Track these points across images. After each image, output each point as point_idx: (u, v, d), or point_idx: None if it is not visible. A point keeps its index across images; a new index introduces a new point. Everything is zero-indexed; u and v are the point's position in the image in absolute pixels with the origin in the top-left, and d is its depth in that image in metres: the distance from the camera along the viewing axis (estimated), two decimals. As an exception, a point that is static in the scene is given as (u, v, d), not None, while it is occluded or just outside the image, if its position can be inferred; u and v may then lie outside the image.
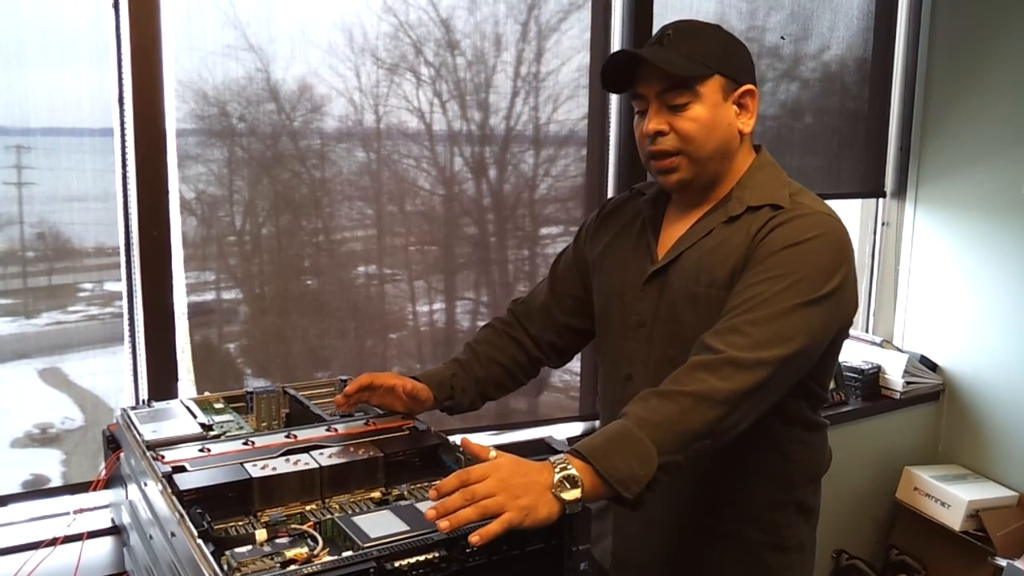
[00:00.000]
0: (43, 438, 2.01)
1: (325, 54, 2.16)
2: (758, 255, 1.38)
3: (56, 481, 2.01)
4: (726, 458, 1.37)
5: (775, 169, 1.52)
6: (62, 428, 2.03)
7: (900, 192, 3.35)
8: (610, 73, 1.49)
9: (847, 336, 1.50)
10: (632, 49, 1.47)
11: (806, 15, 2.98)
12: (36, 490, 1.98)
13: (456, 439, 1.43)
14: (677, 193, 1.53)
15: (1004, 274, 3.01)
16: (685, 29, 1.47)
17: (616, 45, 2.55)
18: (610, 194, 2.61)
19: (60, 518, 1.87)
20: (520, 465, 1.18)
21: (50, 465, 2.01)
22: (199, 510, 1.14)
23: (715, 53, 1.46)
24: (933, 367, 3.27)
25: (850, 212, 3.37)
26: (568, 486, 1.16)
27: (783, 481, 1.53)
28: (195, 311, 2.11)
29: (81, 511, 1.81)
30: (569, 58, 2.49)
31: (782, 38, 2.92)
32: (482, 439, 1.29)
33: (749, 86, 1.48)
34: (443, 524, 1.09)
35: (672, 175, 1.47)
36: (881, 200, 3.38)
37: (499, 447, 1.25)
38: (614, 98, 2.57)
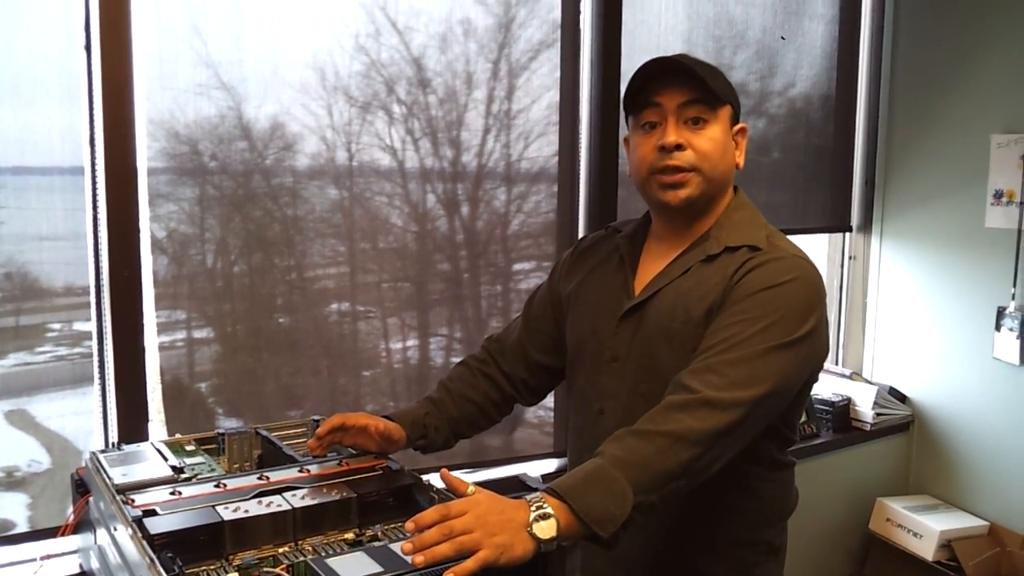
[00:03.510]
0: (9, 481, 1.98)
1: (297, 93, 2.17)
2: (735, 295, 1.40)
3: (22, 526, 1.97)
4: (696, 497, 1.36)
5: (752, 210, 1.55)
6: (28, 471, 1.99)
7: (866, 226, 3.40)
8: (641, 79, 1.49)
9: (817, 379, 1.52)
10: (669, 57, 1.51)
11: (771, 53, 3.04)
12: (1, 536, 1.94)
13: (430, 477, 1.42)
14: (677, 214, 1.52)
15: (968, 305, 3.06)
16: (698, 61, 1.51)
17: (585, 84, 2.58)
18: (582, 230, 2.63)
19: (26, 564, 1.84)
20: (497, 503, 1.18)
21: (16, 510, 1.98)
22: (170, 554, 1.13)
23: (727, 85, 1.52)
24: (902, 398, 3.30)
25: (817, 246, 3.42)
26: (544, 525, 1.16)
27: (753, 520, 1.53)
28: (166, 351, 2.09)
29: (48, 557, 1.79)
30: (539, 96, 2.52)
31: (782, 38, 2.98)
32: (457, 476, 1.30)
33: (744, 124, 1.55)
34: (418, 559, 1.08)
35: (681, 191, 1.47)
36: (847, 234, 3.43)
37: (475, 484, 1.24)
38: (584, 135, 2.60)
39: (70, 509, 1.58)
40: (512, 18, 2.44)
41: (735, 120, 1.53)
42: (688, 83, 1.46)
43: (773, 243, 1.47)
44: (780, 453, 1.54)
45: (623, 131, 1.60)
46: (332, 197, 2.27)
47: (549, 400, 2.65)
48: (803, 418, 3.06)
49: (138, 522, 1.23)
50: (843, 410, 3.18)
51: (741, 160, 1.55)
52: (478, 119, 2.44)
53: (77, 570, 1.74)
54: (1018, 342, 2.89)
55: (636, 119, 1.53)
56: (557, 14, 2.52)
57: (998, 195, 2.94)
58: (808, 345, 1.38)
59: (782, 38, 3.01)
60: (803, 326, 1.37)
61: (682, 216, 1.53)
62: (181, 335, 2.14)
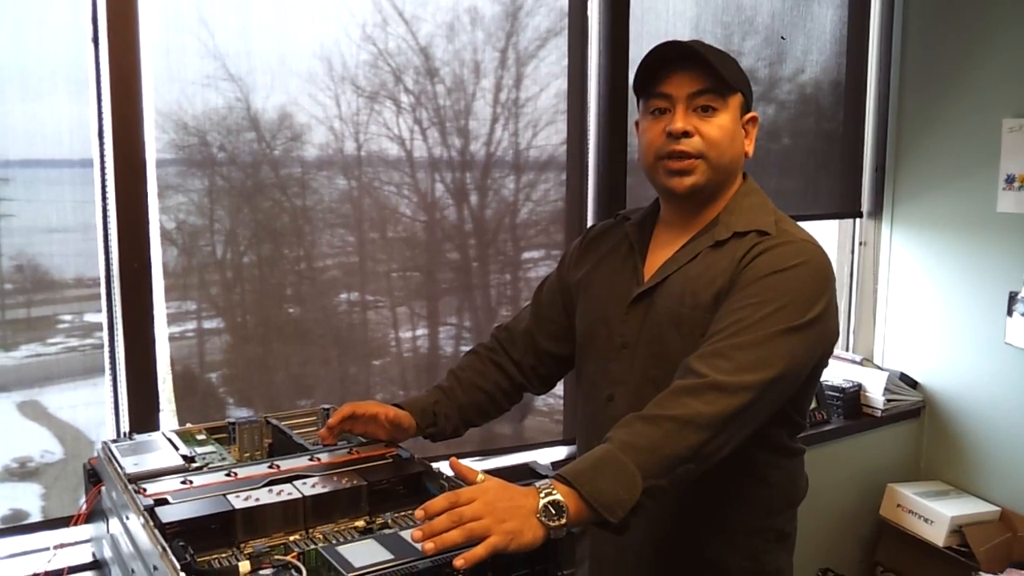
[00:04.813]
0: (22, 472, 1.99)
1: (305, 83, 2.17)
2: (743, 280, 1.40)
3: (35, 516, 1.99)
4: (706, 484, 1.36)
5: (761, 196, 1.55)
6: (41, 462, 2.00)
7: (876, 212, 3.39)
8: (651, 63, 1.49)
9: (827, 364, 1.51)
10: (681, 42, 1.49)
11: (780, 39, 3.02)
12: (15, 525, 1.95)
13: (440, 465, 1.42)
14: (683, 200, 1.52)
15: (980, 291, 3.05)
16: (711, 47, 1.50)
17: (593, 71, 2.57)
18: (590, 218, 2.63)
19: (40, 554, 1.84)
20: (506, 489, 1.18)
21: (29, 500, 1.99)
22: (182, 543, 1.13)
23: (739, 73, 1.52)
24: (913, 384, 3.29)
25: (827, 232, 3.40)
26: (553, 511, 1.16)
27: (761, 506, 1.53)
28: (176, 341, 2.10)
29: (61, 546, 1.79)
30: (547, 84, 2.51)
31: (782, 38, 2.97)
32: (467, 464, 1.30)
33: (755, 113, 1.55)
34: (428, 546, 1.09)
35: (687, 177, 1.47)
36: (858, 220, 3.41)
37: (484, 472, 1.25)
38: (592, 123, 2.59)
39: (83, 499, 1.58)
40: (519, 6, 2.43)
41: (746, 108, 1.53)
42: (699, 71, 1.46)
43: (781, 228, 1.47)
44: (790, 439, 1.54)
45: (632, 119, 1.60)
46: (341, 187, 2.27)
47: (559, 388, 2.64)
48: (814, 404, 3.06)
49: (150, 511, 1.23)
50: (854, 396, 3.17)
51: (750, 149, 1.54)
52: (486, 108, 2.43)
53: (90, 559, 1.75)
54: (1030, 327, 2.88)
55: (646, 104, 1.53)
56: (564, 1, 2.51)
57: (1010, 180, 2.92)
58: (817, 329, 1.38)
59: (782, 38, 2.99)
60: (812, 310, 1.37)
61: (689, 202, 1.52)
62: (191, 325, 2.14)
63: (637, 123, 1.57)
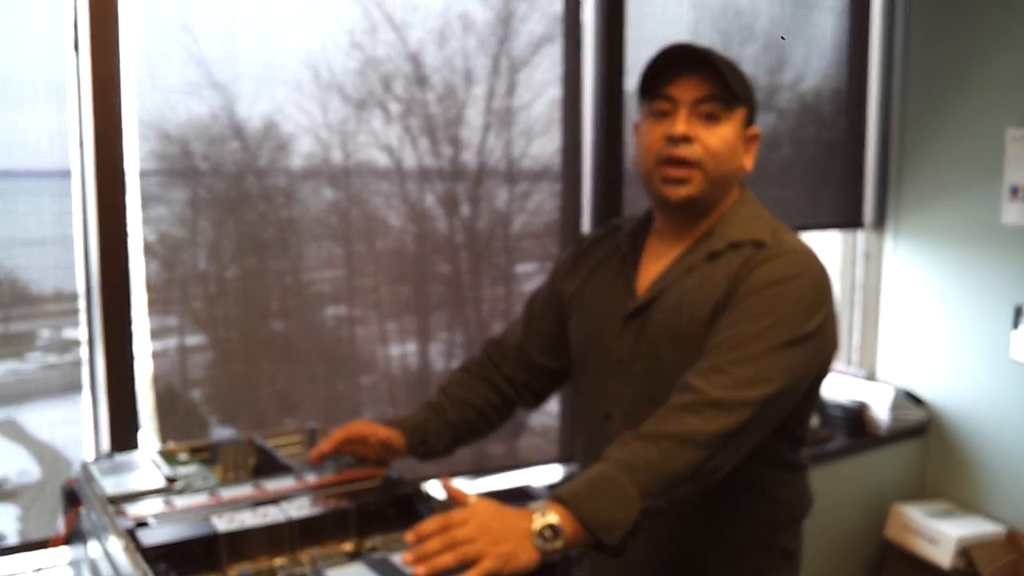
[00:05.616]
0: (-2, 494, 1.94)
1: (291, 91, 2.12)
2: (740, 293, 1.37)
3: (13, 539, 1.94)
4: (707, 501, 1.34)
5: (757, 206, 1.52)
6: (19, 483, 1.96)
7: (879, 223, 3.34)
8: (659, 64, 1.45)
9: (826, 376, 1.48)
10: (692, 45, 1.46)
11: (779, 46, 2.99)
12: (-9, 549, 1.90)
13: (431, 485, 1.39)
14: (677, 210, 1.48)
15: (985, 304, 3.00)
16: (720, 55, 1.46)
17: (588, 78, 2.53)
18: (586, 229, 2.58)
19: (17, 578, 1.80)
20: (500, 511, 1.15)
21: (6, 522, 1.94)
22: (164, 567, 1.12)
23: (746, 86, 1.49)
24: (918, 401, 3.24)
25: (830, 244, 3.36)
26: (548, 533, 1.13)
27: (765, 523, 1.50)
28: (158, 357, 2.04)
29: (39, 570, 1.75)
30: (541, 92, 2.47)
31: (782, 38, 2.95)
32: (460, 485, 1.28)
33: (757, 129, 1.51)
34: (420, 569, 1.06)
35: (682, 187, 1.44)
36: (860, 231, 3.37)
37: (478, 494, 1.21)
38: (587, 132, 2.55)
39: (61, 521, 1.54)
40: (512, 12, 2.39)
41: (749, 123, 1.50)
42: (707, 77, 1.43)
43: (778, 238, 1.44)
44: (792, 453, 1.51)
45: (627, 127, 1.56)
46: (328, 198, 2.22)
47: (553, 406, 2.60)
48: (818, 422, 3.03)
49: (130, 534, 1.21)
50: (858, 414, 3.12)
51: (750, 164, 1.51)
52: (478, 116, 2.39)
53: (68, 584, 1.71)
54: (1036, 341, 2.83)
55: (649, 106, 1.49)
56: (558, 7, 2.47)
57: (1014, 190, 2.88)
58: (816, 342, 1.36)
59: (782, 38, 2.96)
60: (810, 322, 1.34)
61: (683, 213, 1.49)
62: (174, 341, 2.09)
63: (636, 126, 1.53)
